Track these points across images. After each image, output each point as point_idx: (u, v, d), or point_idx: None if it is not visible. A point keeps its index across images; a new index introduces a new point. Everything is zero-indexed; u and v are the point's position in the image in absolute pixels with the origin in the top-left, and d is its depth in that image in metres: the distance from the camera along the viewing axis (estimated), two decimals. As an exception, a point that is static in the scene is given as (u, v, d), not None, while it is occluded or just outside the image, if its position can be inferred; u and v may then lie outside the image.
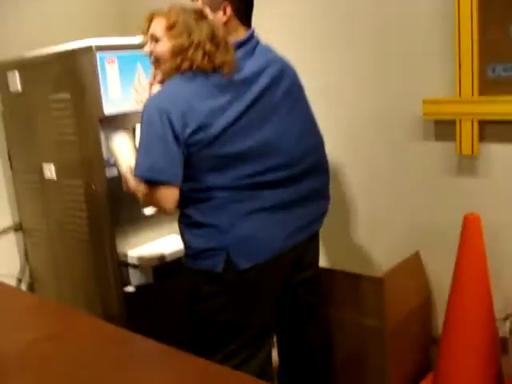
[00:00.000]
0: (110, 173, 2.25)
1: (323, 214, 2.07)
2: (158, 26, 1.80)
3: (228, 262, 1.80)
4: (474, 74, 2.17)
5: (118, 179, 2.25)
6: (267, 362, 1.99)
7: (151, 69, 2.09)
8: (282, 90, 1.91)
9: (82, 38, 2.21)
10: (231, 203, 1.79)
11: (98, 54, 2.13)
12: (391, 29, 2.37)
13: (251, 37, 1.92)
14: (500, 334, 2.22)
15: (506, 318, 2.26)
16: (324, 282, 2.23)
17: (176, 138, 1.72)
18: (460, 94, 2.20)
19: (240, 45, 1.87)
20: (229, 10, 1.87)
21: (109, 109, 2.17)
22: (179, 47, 1.76)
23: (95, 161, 2.23)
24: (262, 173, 1.82)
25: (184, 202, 1.83)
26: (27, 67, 2.46)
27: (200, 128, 1.73)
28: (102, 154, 2.22)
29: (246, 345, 1.90)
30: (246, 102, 1.80)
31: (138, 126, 2.28)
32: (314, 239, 2.06)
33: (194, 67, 1.76)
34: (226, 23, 1.88)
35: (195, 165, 1.77)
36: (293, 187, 1.89)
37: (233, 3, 1.88)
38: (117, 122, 2.23)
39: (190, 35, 1.76)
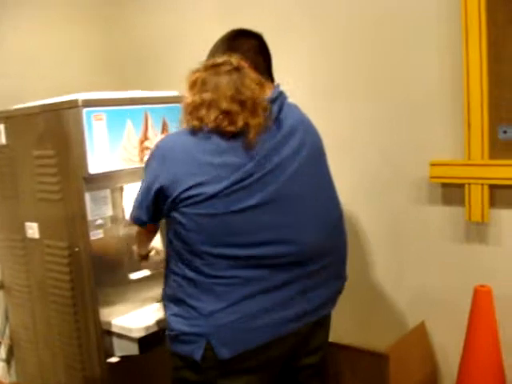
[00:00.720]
0: (95, 235, 2.11)
1: (336, 295, 1.86)
2: (184, 87, 1.68)
3: (208, 349, 1.61)
4: (484, 135, 2.06)
5: (103, 241, 2.15)
6: None
7: (142, 125, 1.97)
8: (303, 155, 1.70)
9: (68, 93, 2.11)
10: (218, 285, 1.62)
11: (85, 110, 2.01)
12: (399, 88, 2.27)
13: (280, 94, 1.73)
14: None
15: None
16: (326, 356, 2.07)
17: (163, 191, 1.62)
18: (469, 157, 2.08)
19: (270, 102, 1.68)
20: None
21: (94, 168, 2.04)
22: (191, 105, 1.63)
23: (79, 222, 2.09)
24: (261, 257, 1.63)
25: (170, 269, 1.71)
26: (13, 120, 2.34)
27: (193, 187, 1.58)
28: (86, 215, 2.08)
29: None
30: (260, 166, 1.62)
31: (125, 186, 2.17)
32: (323, 322, 1.84)
33: (209, 127, 1.60)
34: None
35: (187, 225, 1.61)
36: (299, 268, 1.68)
37: (247, 57, 1.71)
38: (103, 181, 2.10)
39: (204, 92, 1.62)
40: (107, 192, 2.16)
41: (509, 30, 1.99)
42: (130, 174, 2.17)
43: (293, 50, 2.48)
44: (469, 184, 2.08)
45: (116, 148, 2.11)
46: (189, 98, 1.65)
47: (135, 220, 1.76)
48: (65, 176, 2.11)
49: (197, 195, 1.58)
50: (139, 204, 1.71)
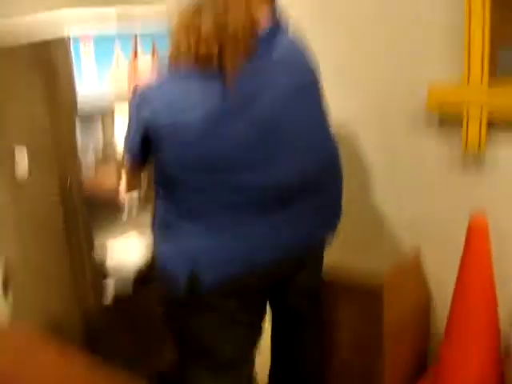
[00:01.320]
0: (85, 168, 2.08)
1: (331, 232, 1.86)
2: None
3: (193, 278, 1.62)
4: (484, 59, 1.98)
5: (94, 173, 2.11)
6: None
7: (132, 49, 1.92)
8: (291, 85, 1.65)
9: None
10: (205, 213, 1.62)
11: (72, 42, 1.93)
12: (397, 10, 2.17)
13: (276, 25, 1.65)
14: (504, 343, 2.09)
15: (510, 326, 2.13)
16: (319, 285, 2.08)
17: (146, 130, 1.60)
18: (468, 82, 2.01)
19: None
20: None
21: (84, 103, 1.99)
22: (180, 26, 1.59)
23: (70, 156, 2.06)
24: (245, 188, 1.61)
25: (157, 202, 1.72)
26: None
27: (177, 124, 1.56)
28: (76, 145, 2.03)
29: (216, 368, 1.78)
30: (243, 98, 1.57)
31: (116, 116, 2.13)
32: (317, 254, 1.89)
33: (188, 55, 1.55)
34: None
35: (173, 162, 1.60)
36: (287, 200, 1.66)
37: None
38: (94, 111, 2.05)
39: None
40: (98, 123, 2.12)
41: None
42: (122, 107, 2.12)
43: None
44: (467, 111, 2.02)
45: (105, 77, 2.05)
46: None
47: (128, 161, 1.75)
48: (54, 106, 2.05)
49: (181, 132, 1.56)
50: (129, 147, 1.70)
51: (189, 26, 1.56)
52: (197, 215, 1.63)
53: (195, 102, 1.55)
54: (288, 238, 1.71)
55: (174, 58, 1.59)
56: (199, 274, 1.63)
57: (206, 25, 1.53)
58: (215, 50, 1.53)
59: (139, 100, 1.63)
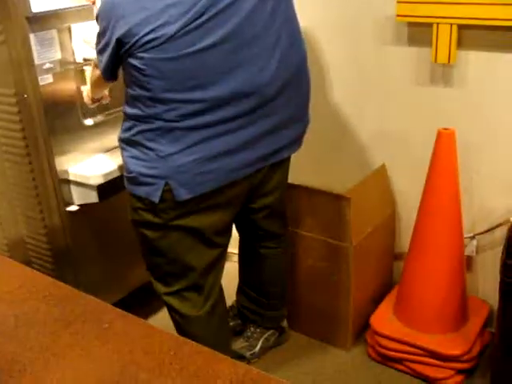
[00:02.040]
0: (44, 80, 1.97)
1: (297, 139, 1.86)
2: None
3: (166, 191, 1.62)
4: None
5: (53, 87, 2.01)
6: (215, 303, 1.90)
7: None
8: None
9: None
10: (178, 129, 1.58)
11: None
12: None
13: None
14: (466, 252, 2.16)
15: (473, 237, 2.19)
16: (287, 199, 2.08)
17: (118, 41, 1.54)
18: (439, -7, 1.97)
19: None
20: None
21: (38, 5, 1.86)
22: None
23: (25, 66, 1.94)
24: (222, 98, 1.58)
25: (128, 112, 1.66)
26: None
27: (150, 31, 1.49)
28: (32, 59, 1.93)
29: (187, 283, 1.81)
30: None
31: (73, 26, 2.01)
32: (280, 165, 1.87)
33: None
34: None
35: (147, 71, 1.54)
36: (259, 110, 1.65)
37: None
38: (49, 22, 1.94)
39: None
40: (54, 33, 1.99)
41: None
42: (78, 13, 2.00)
43: None
44: (437, 23, 1.99)
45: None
46: None
47: (102, 71, 1.70)
48: (5, 17, 1.92)
49: (154, 39, 1.50)
50: (102, 55, 1.65)
51: None
52: (173, 132, 1.59)
53: (173, 14, 1.49)
54: (266, 148, 1.72)
55: None
56: (174, 190, 1.61)
57: None
58: None
59: (110, 13, 1.55)
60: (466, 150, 2.04)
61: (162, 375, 0.98)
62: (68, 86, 2.07)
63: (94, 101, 2.02)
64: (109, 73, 1.69)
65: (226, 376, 0.97)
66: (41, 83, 1.97)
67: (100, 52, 1.65)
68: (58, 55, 2.01)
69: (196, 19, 1.50)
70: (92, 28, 1.92)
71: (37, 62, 1.94)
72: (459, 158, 1.98)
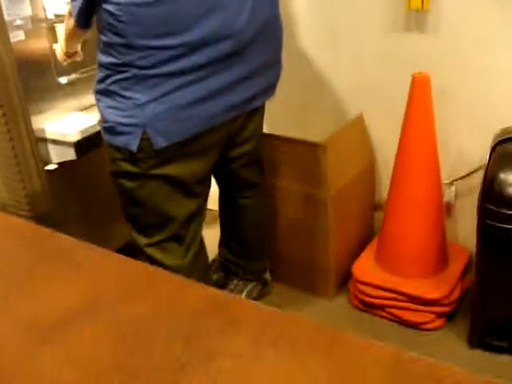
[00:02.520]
0: (15, 36, 1.95)
1: (272, 85, 1.86)
2: None
3: (144, 139, 1.62)
4: None
5: (25, 44, 1.99)
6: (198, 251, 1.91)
7: None
8: None
9: None
10: (152, 77, 1.57)
11: None
12: None
13: None
14: (445, 199, 2.18)
15: (451, 183, 2.21)
16: (264, 149, 2.09)
17: None
18: None
19: None
20: None
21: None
22: None
23: (-4, 23, 1.93)
24: (198, 43, 1.57)
25: (102, 61, 1.64)
26: None
27: None
28: (2, 15, 1.90)
29: (167, 234, 1.82)
30: None
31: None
32: (256, 112, 1.87)
33: None
34: None
35: (122, 17, 1.52)
36: (234, 57, 1.64)
37: None
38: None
39: None
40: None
41: None
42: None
43: None
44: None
45: None
46: None
47: (76, 17, 1.68)
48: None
49: None
50: (76, 8, 1.64)
51: None
52: (149, 80, 1.58)
53: None
54: (241, 94, 1.72)
55: None
56: (151, 138, 1.61)
57: None
58: None
59: None
60: (441, 96, 2.05)
61: (136, 302, 0.99)
62: (40, 44, 2.04)
63: (67, 55, 1.98)
64: (83, 18, 1.67)
65: (198, 300, 0.98)
66: (12, 40, 1.95)
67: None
68: (28, 11, 1.98)
69: None
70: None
71: (7, 18, 1.92)
72: (435, 105, 1.99)
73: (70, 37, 1.86)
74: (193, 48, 1.57)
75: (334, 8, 2.24)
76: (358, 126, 2.30)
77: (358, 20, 2.20)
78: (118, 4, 1.51)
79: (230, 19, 1.60)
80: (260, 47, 1.70)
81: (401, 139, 2.05)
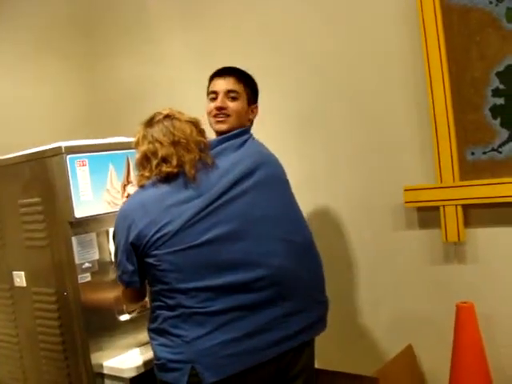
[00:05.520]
0: (83, 278, 2.13)
1: (319, 319, 1.90)
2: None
3: (193, 375, 1.67)
4: (453, 158, 2.15)
5: (91, 285, 2.17)
6: None
7: (124, 169, 2.07)
8: (254, 181, 1.83)
9: (54, 142, 2.16)
10: (199, 314, 1.69)
11: (68, 157, 2.06)
12: (368, 121, 2.37)
13: (242, 132, 1.91)
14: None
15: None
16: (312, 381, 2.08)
17: (133, 245, 1.74)
18: (441, 180, 2.17)
19: (228, 138, 1.88)
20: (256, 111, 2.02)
21: (80, 212, 2.08)
22: (138, 161, 1.82)
23: (67, 266, 2.12)
24: (238, 284, 1.70)
25: (153, 305, 1.79)
26: (-3, 171, 2.38)
27: (157, 230, 1.71)
28: (73, 259, 2.10)
29: None
30: (211, 195, 1.75)
31: (110, 229, 2.20)
32: (305, 347, 1.87)
33: (155, 176, 1.77)
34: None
35: (161, 266, 1.71)
36: (275, 293, 1.74)
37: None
38: (89, 225, 2.14)
39: (144, 146, 1.79)
40: (93, 236, 2.18)
41: (466, 61, 2.12)
42: (115, 218, 2.21)
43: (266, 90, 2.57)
44: (443, 206, 2.16)
45: (100, 192, 2.15)
46: (136, 155, 1.84)
47: (122, 281, 1.85)
48: (51, 222, 2.14)
49: (161, 237, 1.70)
50: (122, 268, 1.82)
51: (146, 151, 1.79)
52: (195, 317, 1.69)
53: (174, 213, 1.72)
54: (287, 329, 1.77)
55: (140, 181, 1.82)
56: (200, 374, 1.66)
57: (163, 149, 1.76)
58: (174, 163, 1.75)
59: (124, 223, 1.78)
60: (488, 323, 2.08)
61: None
62: (105, 285, 2.21)
63: (129, 312, 2.18)
64: (136, 279, 1.81)
65: None
66: (80, 281, 2.12)
67: (120, 265, 1.82)
68: (96, 255, 2.18)
69: (197, 214, 1.71)
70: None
71: (77, 261, 2.11)
72: (483, 332, 2.01)
73: (132, 302, 2.04)
74: (233, 288, 1.69)
75: (375, 245, 2.40)
76: (408, 357, 2.30)
77: (400, 254, 2.33)
78: (155, 256, 1.71)
79: (263, 261, 1.73)
80: (300, 284, 1.80)
81: (452, 368, 2.04)
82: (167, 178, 1.76)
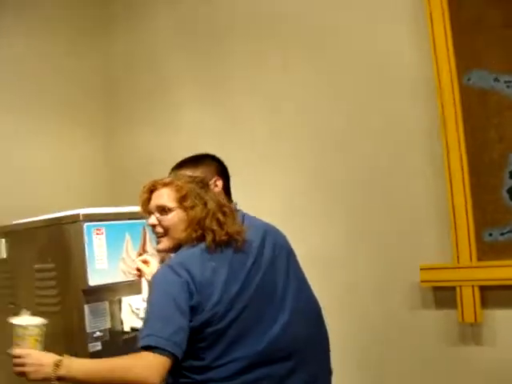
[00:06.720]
0: (93, 347, 2.11)
1: None
2: (167, 197, 1.73)
3: None
4: (470, 238, 2.13)
5: (101, 353, 2.14)
6: None
7: (140, 239, 2.07)
8: (283, 260, 1.81)
9: (72, 207, 2.18)
10: None
11: (86, 224, 2.09)
12: (388, 200, 2.37)
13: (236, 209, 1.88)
14: None
15: None
16: None
17: (190, 306, 1.60)
18: (458, 260, 2.15)
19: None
20: (220, 184, 1.87)
21: (94, 280, 2.09)
22: (197, 218, 1.70)
23: (77, 334, 2.11)
24: (262, 357, 1.66)
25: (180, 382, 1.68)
26: (14, 234, 2.40)
27: (216, 303, 1.62)
28: (85, 327, 2.10)
29: None
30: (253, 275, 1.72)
31: (123, 299, 2.20)
32: None
33: (216, 238, 1.69)
34: None
35: (205, 343, 1.63)
36: (291, 362, 1.71)
37: (222, 178, 1.89)
38: (102, 294, 2.14)
39: (204, 205, 1.71)
40: (106, 304, 2.18)
41: (484, 143, 2.13)
42: (128, 287, 2.22)
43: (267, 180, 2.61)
44: (460, 286, 2.13)
45: (115, 261, 2.16)
46: (189, 210, 1.72)
47: (162, 344, 1.50)
48: (64, 288, 2.14)
49: (217, 312, 1.63)
50: (173, 327, 1.55)
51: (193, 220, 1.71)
52: None
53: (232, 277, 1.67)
54: None
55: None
56: None
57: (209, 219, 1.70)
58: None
59: (180, 286, 1.61)
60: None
61: None
62: (115, 354, 2.17)
63: None
64: (184, 345, 1.56)
65: None
66: (90, 350, 2.11)
67: (168, 322, 1.55)
68: (108, 324, 2.17)
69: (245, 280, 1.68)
70: (140, 300, 2.11)
71: (88, 330, 2.10)
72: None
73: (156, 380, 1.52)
74: (261, 357, 1.65)
75: (390, 325, 2.35)
76: None
77: (414, 333, 2.28)
78: (202, 332, 1.62)
79: (286, 332, 1.69)
80: (314, 352, 1.78)
81: None
82: (220, 248, 1.71)
